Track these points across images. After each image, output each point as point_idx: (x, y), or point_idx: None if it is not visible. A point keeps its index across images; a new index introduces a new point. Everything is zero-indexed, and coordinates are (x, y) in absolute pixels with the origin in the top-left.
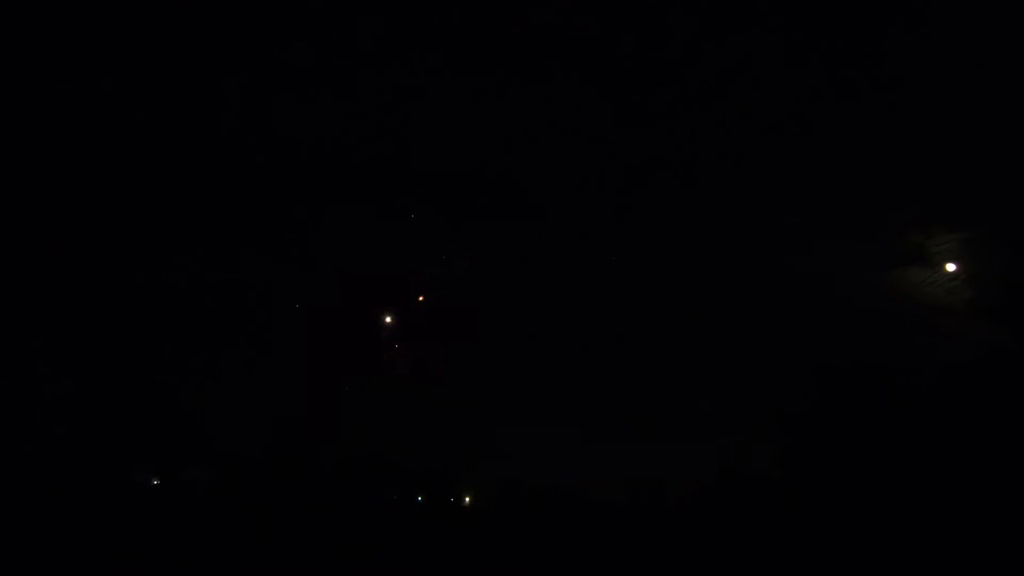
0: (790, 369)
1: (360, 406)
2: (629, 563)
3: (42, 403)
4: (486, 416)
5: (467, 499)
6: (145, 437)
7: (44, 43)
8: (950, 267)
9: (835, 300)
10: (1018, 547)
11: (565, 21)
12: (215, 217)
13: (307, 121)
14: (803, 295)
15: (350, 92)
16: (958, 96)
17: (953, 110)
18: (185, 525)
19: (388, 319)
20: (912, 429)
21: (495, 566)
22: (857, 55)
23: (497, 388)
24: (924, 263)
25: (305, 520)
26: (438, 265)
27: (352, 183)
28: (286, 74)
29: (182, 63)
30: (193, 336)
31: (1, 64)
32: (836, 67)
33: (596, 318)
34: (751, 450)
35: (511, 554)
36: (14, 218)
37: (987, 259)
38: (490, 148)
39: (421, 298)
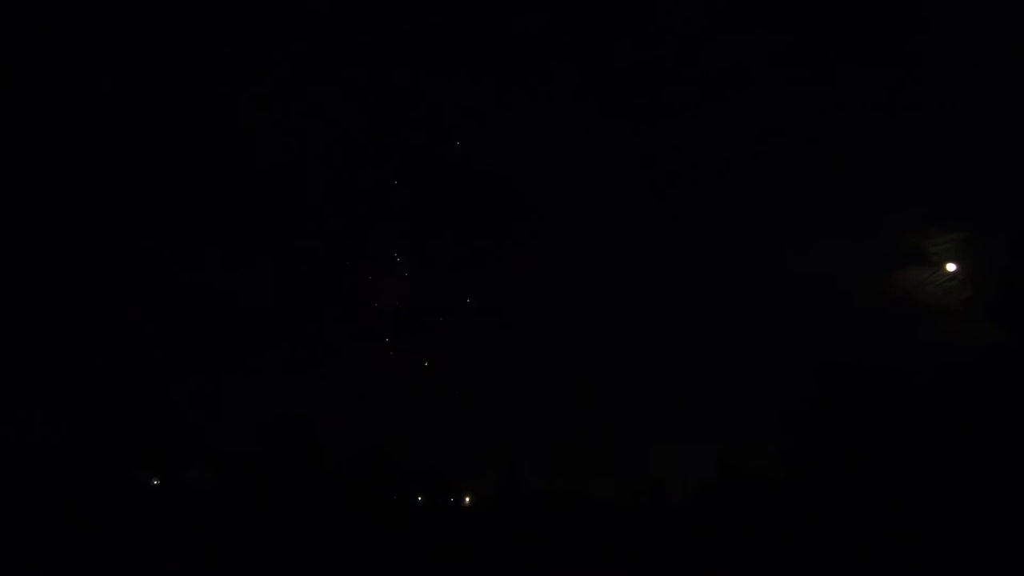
0: (791, 369)
1: (360, 406)
2: (629, 563)
3: (43, 403)
4: (486, 416)
5: (467, 499)
6: (145, 437)
7: (46, 44)
8: (950, 267)
9: (836, 300)
10: (1018, 547)
11: (564, 22)
12: (217, 219)
13: (305, 121)
14: (803, 295)
15: (349, 93)
16: (957, 97)
17: (952, 111)
18: (185, 525)
19: (388, 318)
20: (912, 428)
21: (495, 566)
22: (857, 57)
23: (498, 388)
24: (923, 263)
25: (305, 520)
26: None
27: (352, 183)
28: (284, 75)
29: (182, 64)
30: (194, 337)
31: (4, 65)
32: (836, 69)
33: (596, 318)
34: (751, 450)
35: (511, 554)
36: (17, 218)
37: (985, 259)
38: (489, 148)
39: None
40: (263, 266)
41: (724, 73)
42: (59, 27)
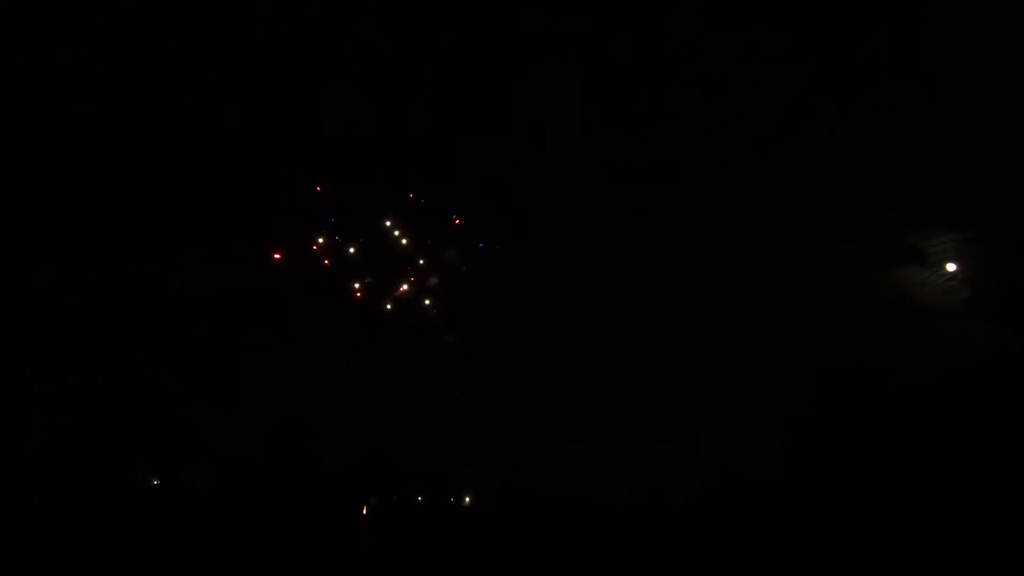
0: (790, 369)
1: (360, 406)
2: (629, 563)
3: (43, 403)
4: (486, 416)
5: (467, 499)
6: (145, 437)
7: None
8: (950, 267)
9: (835, 300)
10: (1018, 547)
11: (564, 21)
12: (214, 217)
13: (303, 121)
14: (803, 295)
15: (347, 92)
16: (956, 96)
17: (951, 110)
18: (185, 525)
19: (388, 319)
20: (911, 428)
21: (495, 566)
22: (855, 56)
23: (497, 388)
24: (922, 263)
25: (305, 520)
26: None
27: (350, 183)
28: (284, 74)
29: (180, 64)
30: (193, 336)
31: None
32: (834, 68)
33: (596, 318)
34: (751, 450)
35: (511, 554)
36: (15, 218)
37: (984, 259)
38: (488, 147)
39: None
40: (263, 266)
41: (723, 73)
42: (57, 27)
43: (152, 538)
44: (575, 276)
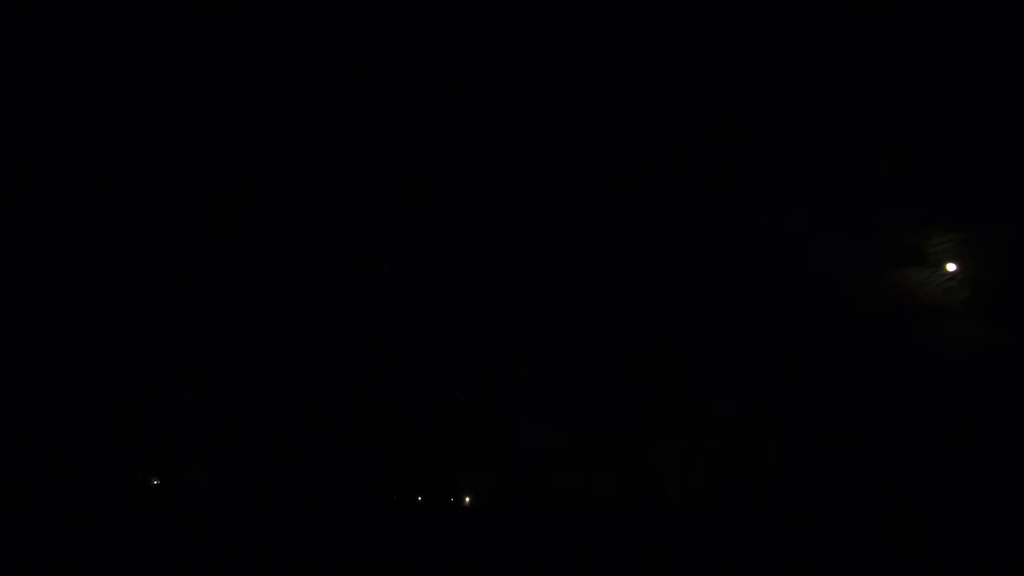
0: (791, 369)
1: (360, 406)
2: (629, 563)
3: (43, 403)
4: (486, 416)
5: (467, 499)
6: (145, 437)
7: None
8: (950, 267)
9: (835, 300)
10: (1018, 547)
11: (564, 21)
12: (216, 217)
13: (304, 121)
14: (803, 295)
15: (347, 92)
16: (956, 97)
17: (950, 111)
18: (185, 525)
19: (388, 318)
20: (911, 428)
21: (495, 566)
22: (856, 57)
23: (498, 388)
24: (922, 263)
25: (305, 520)
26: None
27: (350, 183)
28: (283, 73)
29: (181, 64)
30: (194, 336)
31: (3, 65)
32: (835, 69)
33: (596, 318)
34: (751, 450)
35: (511, 554)
36: (16, 218)
37: (984, 259)
38: (487, 147)
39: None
40: (263, 266)
41: (723, 73)
42: (57, 27)
43: (152, 538)
44: (576, 275)
